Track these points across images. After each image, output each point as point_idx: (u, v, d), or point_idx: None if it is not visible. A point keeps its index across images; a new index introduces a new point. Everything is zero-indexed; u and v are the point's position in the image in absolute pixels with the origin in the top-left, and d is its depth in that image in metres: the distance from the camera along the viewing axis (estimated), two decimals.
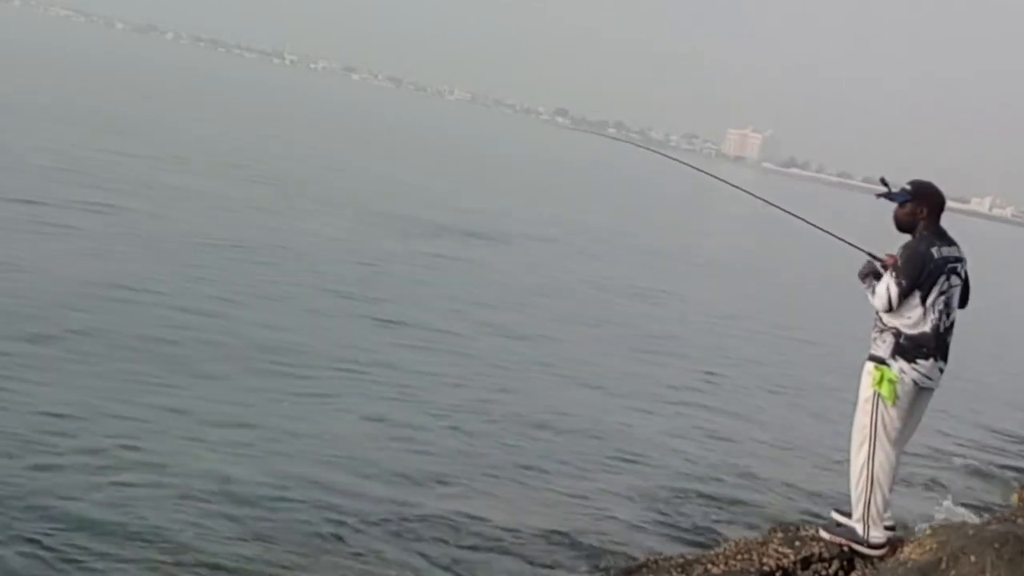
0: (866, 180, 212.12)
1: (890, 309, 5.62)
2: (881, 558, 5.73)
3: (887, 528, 5.87)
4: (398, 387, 9.85)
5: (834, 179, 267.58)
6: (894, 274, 5.60)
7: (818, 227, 6.48)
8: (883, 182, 5.88)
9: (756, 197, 7.07)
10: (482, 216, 26.36)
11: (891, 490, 5.82)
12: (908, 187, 5.81)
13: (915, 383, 5.64)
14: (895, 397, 5.63)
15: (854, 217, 34.11)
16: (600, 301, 17.63)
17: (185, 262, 13.62)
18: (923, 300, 5.59)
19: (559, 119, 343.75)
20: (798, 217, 6.71)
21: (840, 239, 6.32)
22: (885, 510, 5.82)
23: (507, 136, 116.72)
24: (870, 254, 5.90)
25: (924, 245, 5.64)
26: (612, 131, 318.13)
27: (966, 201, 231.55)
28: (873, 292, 5.71)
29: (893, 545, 5.78)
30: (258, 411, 8.42)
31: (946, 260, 5.64)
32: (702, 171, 7.42)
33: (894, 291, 5.58)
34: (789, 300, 23.95)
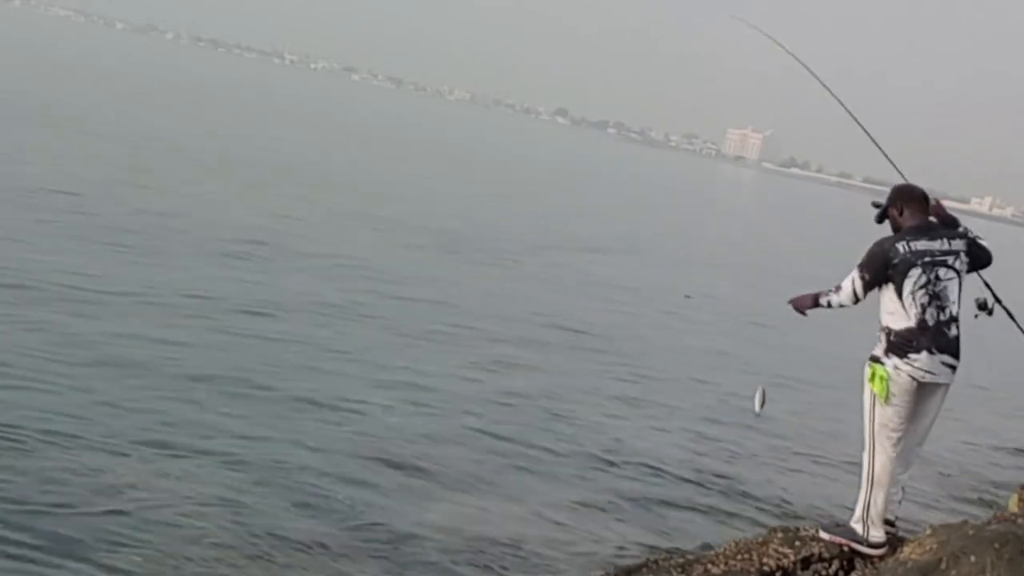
0: (866, 180, 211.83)
1: (856, 301, 5.73)
2: (881, 558, 5.72)
3: (887, 526, 5.87)
4: (392, 390, 9.85)
5: (834, 179, 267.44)
6: (859, 268, 5.69)
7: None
8: (875, 205, 5.96)
9: None
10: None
11: (892, 490, 5.81)
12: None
13: (912, 378, 5.61)
14: (887, 394, 5.61)
15: (855, 218, 34.00)
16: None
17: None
18: (899, 295, 5.60)
19: (559, 119, 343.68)
20: None
21: None
22: (885, 510, 5.81)
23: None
24: None
25: (889, 242, 5.68)
26: (612, 131, 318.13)
27: (966, 201, 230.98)
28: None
29: (893, 545, 5.78)
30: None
31: (921, 254, 5.59)
32: None
33: (858, 284, 5.68)
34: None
